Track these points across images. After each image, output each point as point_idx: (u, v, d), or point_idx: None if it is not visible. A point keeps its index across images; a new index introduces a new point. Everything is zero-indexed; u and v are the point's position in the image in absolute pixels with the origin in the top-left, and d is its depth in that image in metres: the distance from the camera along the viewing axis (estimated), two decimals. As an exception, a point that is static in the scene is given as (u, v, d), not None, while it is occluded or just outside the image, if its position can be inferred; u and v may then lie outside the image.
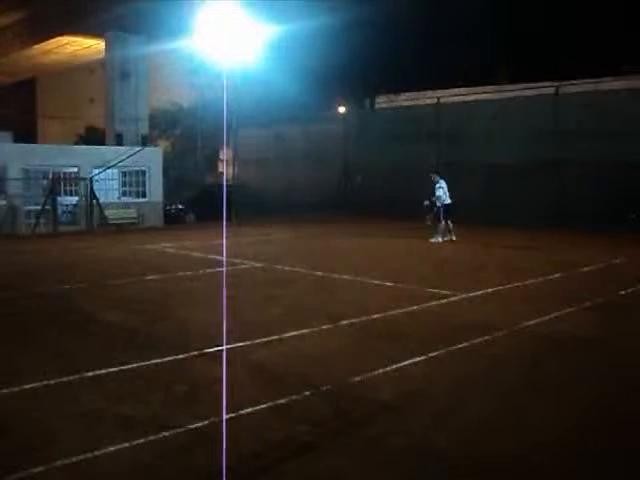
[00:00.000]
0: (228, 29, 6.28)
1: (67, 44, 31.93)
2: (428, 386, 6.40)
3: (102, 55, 30.24)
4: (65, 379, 6.44)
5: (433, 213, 18.45)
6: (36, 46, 32.36)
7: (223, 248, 14.46)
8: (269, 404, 5.78)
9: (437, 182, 18.46)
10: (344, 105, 31.97)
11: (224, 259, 13.96)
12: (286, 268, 13.71)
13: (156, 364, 6.97)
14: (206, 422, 5.35)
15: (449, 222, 18.30)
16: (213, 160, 37.75)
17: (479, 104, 25.51)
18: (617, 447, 5.09)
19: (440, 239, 18.18)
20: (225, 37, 6.24)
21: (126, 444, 4.95)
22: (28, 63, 35.62)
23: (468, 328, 8.44)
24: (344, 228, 22.31)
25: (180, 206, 27.96)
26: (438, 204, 18.23)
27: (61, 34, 30.31)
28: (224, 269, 12.94)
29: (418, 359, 7.13)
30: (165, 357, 7.16)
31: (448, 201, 18.31)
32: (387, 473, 4.64)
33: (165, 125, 36.92)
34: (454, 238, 18.19)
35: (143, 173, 26.00)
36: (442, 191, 18.29)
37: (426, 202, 18.56)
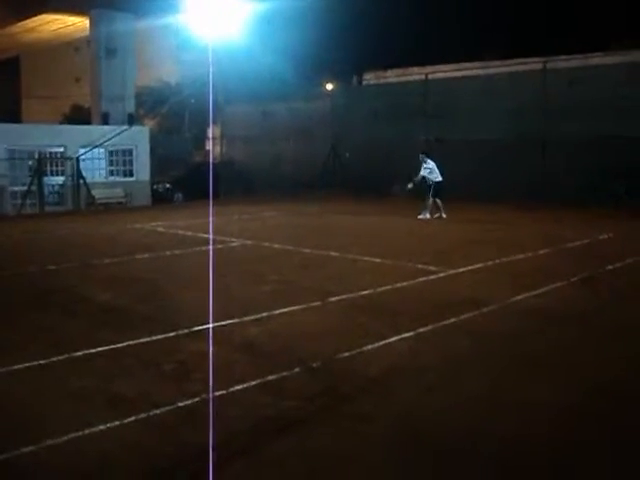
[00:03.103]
0: (214, 6, 6.22)
1: (51, 22, 31.45)
2: (417, 362, 6.43)
3: (87, 33, 29.83)
4: (54, 359, 6.42)
5: (412, 185, 18.54)
6: (19, 24, 31.86)
7: (211, 226, 14.44)
8: (258, 381, 5.79)
9: (424, 162, 18.47)
10: (331, 82, 31.75)
11: (212, 237, 13.93)
12: (275, 246, 13.69)
13: (145, 342, 6.97)
14: (196, 399, 5.37)
15: (438, 200, 18.29)
16: (200, 138, 37.49)
17: (467, 80, 25.42)
18: (613, 422, 5.14)
19: (428, 215, 18.19)
20: (211, 14, 6.18)
21: (116, 422, 4.96)
22: (11, 41, 35.09)
23: (457, 304, 8.48)
24: (332, 205, 22.26)
25: (168, 185, 27.81)
26: (429, 182, 18.26)
27: (45, 11, 29.87)
28: (213, 247, 12.91)
29: (407, 335, 7.16)
30: (154, 335, 7.16)
31: (439, 179, 18.30)
32: (376, 448, 4.68)
33: (152, 103, 36.58)
34: (444, 215, 18.19)
35: (130, 152, 25.85)
36: (427, 172, 18.28)
37: (409, 185, 18.62)
